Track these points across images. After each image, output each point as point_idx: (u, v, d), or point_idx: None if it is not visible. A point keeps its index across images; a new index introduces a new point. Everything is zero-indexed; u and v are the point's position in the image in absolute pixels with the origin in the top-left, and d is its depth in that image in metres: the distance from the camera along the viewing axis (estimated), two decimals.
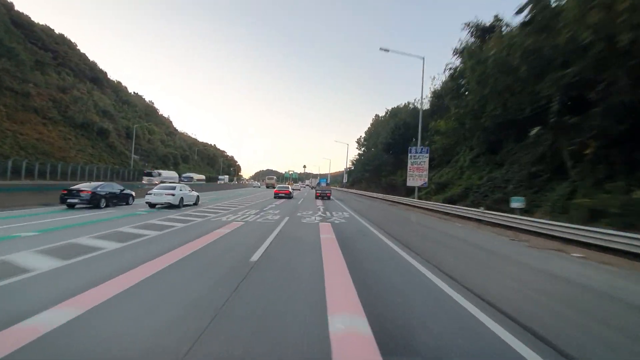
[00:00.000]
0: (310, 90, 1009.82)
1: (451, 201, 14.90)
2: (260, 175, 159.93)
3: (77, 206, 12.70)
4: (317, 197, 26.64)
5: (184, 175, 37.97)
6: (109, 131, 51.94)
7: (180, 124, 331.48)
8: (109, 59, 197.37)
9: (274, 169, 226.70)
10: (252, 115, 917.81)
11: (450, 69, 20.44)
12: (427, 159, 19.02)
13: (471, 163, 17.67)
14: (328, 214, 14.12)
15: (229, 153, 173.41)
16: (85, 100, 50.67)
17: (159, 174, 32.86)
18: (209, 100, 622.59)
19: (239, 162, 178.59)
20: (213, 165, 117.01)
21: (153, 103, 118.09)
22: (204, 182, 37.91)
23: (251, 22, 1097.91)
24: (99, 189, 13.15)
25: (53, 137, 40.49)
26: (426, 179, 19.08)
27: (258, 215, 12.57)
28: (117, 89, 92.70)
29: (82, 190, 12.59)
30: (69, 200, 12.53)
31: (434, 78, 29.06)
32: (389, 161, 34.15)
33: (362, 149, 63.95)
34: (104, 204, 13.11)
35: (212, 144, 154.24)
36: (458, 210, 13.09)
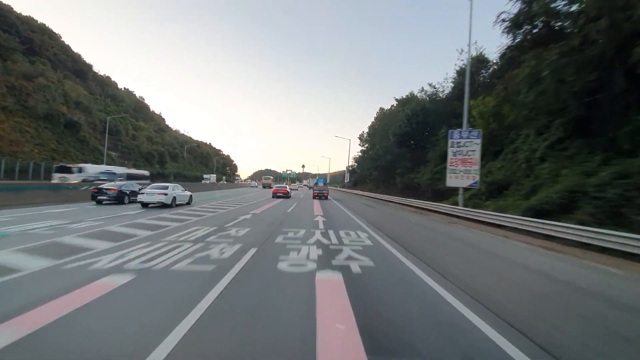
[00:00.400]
0: (309, 89, 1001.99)
1: (540, 213, 8.82)
2: (259, 175, 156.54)
3: (104, 202, 14.18)
4: (314, 197, 26.89)
5: (103, 170, 27.75)
6: (80, 124, 45.75)
7: (177, 123, 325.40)
8: (105, 56, 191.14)
9: (272, 169, 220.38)
10: (251, 115, 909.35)
11: (503, 20, 14.29)
12: (479, 147, 12.86)
13: (550, 151, 11.51)
14: (332, 236, 7.93)
15: (226, 152, 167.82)
16: (52, 89, 44.39)
17: (80, 170, 23.90)
18: (207, 99, 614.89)
19: (236, 162, 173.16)
20: (207, 164, 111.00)
21: (144, 99, 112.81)
22: (148, 181, 28.04)
23: (248, 19, 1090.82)
24: (123, 188, 14.88)
25: (4, 128, 34.27)
26: (477, 177, 12.93)
27: (198, 246, 6.35)
28: (105, 83, 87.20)
29: (109, 189, 14.30)
30: (98, 197, 14.12)
31: (461, 52, 22.99)
32: (405, 156, 27.81)
33: (366, 145, 57.92)
34: (128, 201, 14.76)
35: (208, 143, 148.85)
36: (590, 236, 6.79)
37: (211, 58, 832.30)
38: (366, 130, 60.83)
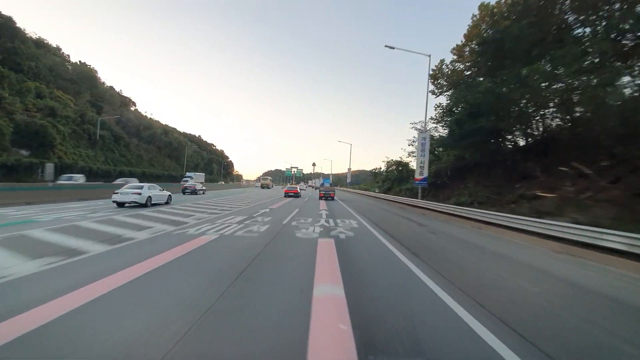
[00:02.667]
0: (316, 87, 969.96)
1: None
2: (269, 175, 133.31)
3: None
4: (320, 198, 25.92)
5: None
6: None
7: (171, 117, 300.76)
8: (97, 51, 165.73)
9: (282, 169, 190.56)
10: (259, 113, 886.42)
11: None
12: None
13: None
14: None
15: (224, 150, 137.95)
16: None
17: None
18: (210, 96, 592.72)
19: (240, 162, 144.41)
20: (178, 158, 79.41)
21: (96, 72, 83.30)
22: None
23: (250, 15, 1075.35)
24: None
25: None
26: None
27: None
28: (22, 40, 57.81)
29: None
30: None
31: None
32: None
33: (446, 93, 23.22)
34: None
35: (195, 134, 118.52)
36: None
37: (216, 54, 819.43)
38: (447, 58, 25.76)
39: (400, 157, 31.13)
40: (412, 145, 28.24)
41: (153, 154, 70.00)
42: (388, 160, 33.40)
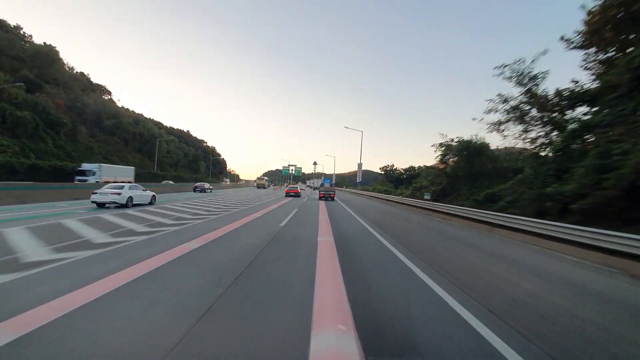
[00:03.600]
0: (316, 86, 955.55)
1: None
2: (269, 175, 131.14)
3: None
4: (320, 198, 25.95)
5: None
6: None
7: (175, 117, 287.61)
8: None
9: (281, 169, 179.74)
10: (261, 118, 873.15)
11: None
12: None
13: None
14: None
15: (219, 149, 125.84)
16: None
17: None
18: (210, 97, 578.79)
19: (239, 161, 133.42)
20: (152, 153, 66.18)
21: (58, 53, 71.52)
22: None
23: (251, 16, 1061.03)
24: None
25: None
26: None
27: None
28: None
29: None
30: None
31: None
32: None
33: None
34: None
35: (186, 130, 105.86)
36: None
37: (216, 53, 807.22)
38: None
39: (460, 137, 17.11)
40: (502, 106, 14.63)
41: (115, 146, 56.90)
42: (444, 141, 18.76)
